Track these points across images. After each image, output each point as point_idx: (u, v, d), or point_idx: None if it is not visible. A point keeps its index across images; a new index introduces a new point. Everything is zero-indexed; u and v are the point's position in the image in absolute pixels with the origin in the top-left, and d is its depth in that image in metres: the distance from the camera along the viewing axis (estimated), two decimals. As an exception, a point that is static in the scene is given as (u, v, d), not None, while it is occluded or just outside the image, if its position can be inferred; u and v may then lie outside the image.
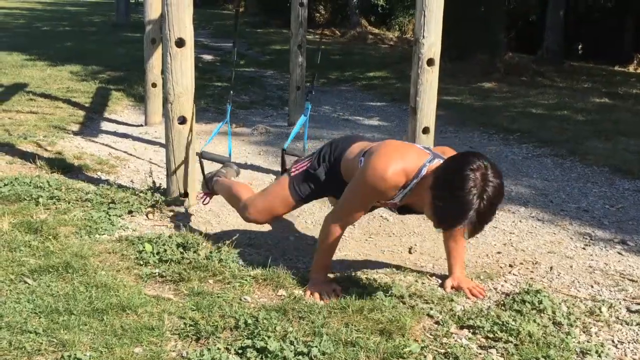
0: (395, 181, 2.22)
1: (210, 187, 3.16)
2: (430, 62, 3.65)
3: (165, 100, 3.29)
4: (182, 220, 3.18)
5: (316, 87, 8.93)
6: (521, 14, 11.05)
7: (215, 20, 22.63)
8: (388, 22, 19.17)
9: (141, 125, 5.76)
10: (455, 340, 2.07)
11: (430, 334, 2.11)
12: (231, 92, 3.75)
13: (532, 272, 2.77)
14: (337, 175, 2.52)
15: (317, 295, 2.30)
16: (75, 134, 5.11)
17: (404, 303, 2.29)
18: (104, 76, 8.35)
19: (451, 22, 10.42)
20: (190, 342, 1.92)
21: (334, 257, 2.62)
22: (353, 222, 2.41)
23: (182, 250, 2.60)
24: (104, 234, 2.85)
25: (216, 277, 2.38)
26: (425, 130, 3.75)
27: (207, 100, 7.44)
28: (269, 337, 1.88)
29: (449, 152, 2.37)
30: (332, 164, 2.56)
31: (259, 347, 1.83)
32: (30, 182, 3.48)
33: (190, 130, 3.36)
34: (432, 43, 3.62)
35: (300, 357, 1.81)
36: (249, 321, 2.00)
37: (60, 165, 3.96)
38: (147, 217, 3.18)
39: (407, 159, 2.25)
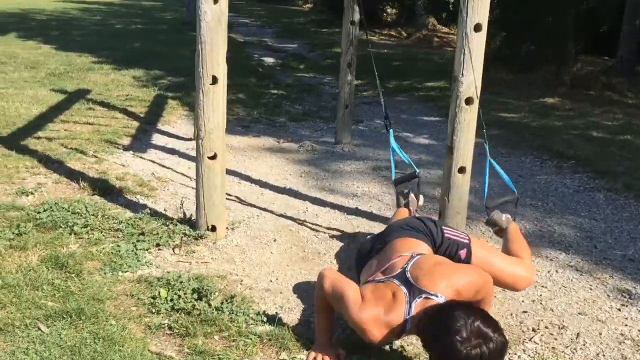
0: (380, 336, 2.19)
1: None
2: (468, 100, 3.54)
3: (197, 136, 3.32)
4: (206, 256, 3.22)
5: (371, 99, 8.89)
6: (592, 23, 10.55)
7: (283, 18, 22.80)
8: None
9: (191, 139, 5.86)
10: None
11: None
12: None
13: (555, 339, 2.65)
14: None
15: None
16: (125, 148, 5.26)
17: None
18: (164, 82, 8.54)
19: (516, 31, 10.16)
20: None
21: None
22: None
23: (196, 297, 2.63)
24: (127, 270, 2.91)
25: (222, 333, 2.39)
26: (462, 170, 3.64)
27: (260, 111, 7.50)
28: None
29: (433, 280, 2.25)
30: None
31: None
32: (69, 208, 3.60)
33: (221, 165, 3.38)
34: (471, 82, 3.51)
35: None
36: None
37: (102, 187, 4.08)
38: (173, 251, 3.23)
39: (385, 309, 2.20)
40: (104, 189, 4.06)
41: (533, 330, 2.72)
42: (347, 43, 5.84)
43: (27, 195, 3.84)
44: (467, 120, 3.57)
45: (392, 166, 3.57)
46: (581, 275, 3.37)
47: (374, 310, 2.18)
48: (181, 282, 2.78)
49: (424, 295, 2.18)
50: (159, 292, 2.63)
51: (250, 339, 2.36)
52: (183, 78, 8.78)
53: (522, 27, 10.01)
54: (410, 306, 2.17)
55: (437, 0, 17.67)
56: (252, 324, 2.49)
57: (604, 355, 2.53)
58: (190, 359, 2.22)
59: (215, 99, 3.25)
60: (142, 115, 6.55)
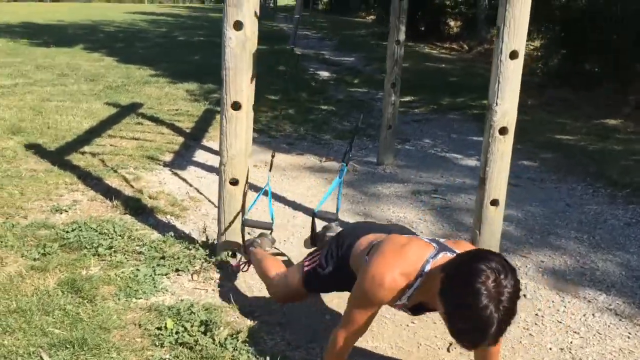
0: (395, 287, 2.08)
1: (247, 255, 3.17)
2: (502, 130, 3.38)
3: (220, 162, 3.30)
4: (224, 284, 3.18)
5: (422, 116, 8.73)
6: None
7: (345, 30, 22.82)
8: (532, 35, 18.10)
9: (231, 157, 5.87)
10: None
11: None
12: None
13: (579, 394, 2.46)
14: (346, 271, 2.41)
15: None
16: (166, 165, 5.31)
17: None
18: (216, 96, 8.62)
19: (578, 49, 9.77)
20: None
21: (364, 346, 2.49)
22: (360, 331, 2.26)
23: (202, 330, 2.59)
24: (141, 297, 2.91)
25: (221, 372, 2.34)
26: (494, 203, 3.48)
27: (306, 127, 7.47)
28: None
29: (463, 246, 2.16)
30: (340, 261, 2.47)
31: None
32: (97, 227, 3.65)
33: (243, 192, 3.34)
34: (505, 111, 3.36)
35: None
36: None
37: (134, 206, 4.12)
38: (192, 277, 3.21)
39: (406, 259, 2.10)
40: (136, 208, 4.10)
41: (556, 383, 2.54)
42: (391, 63, 5.74)
43: (61, 213, 3.91)
44: (501, 150, 3.41)
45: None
46: (620, 320, 3.14)
47: (396, 257, 2.11)
48: (191, 312, 2.75)
49: (454, 253, 2.08)
50: (166, 324, 2.60)
51: (249, 379, 2.30)
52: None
53: (584, 45, 9.62)
54: (436, 255, 2.09)
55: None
56: (254, 362, 2.43)
57: (631, 417, 2.33)
58: (183, 398, 2.17)
59: (238, 125, 3.21)
60: (188, 131, 6.63)
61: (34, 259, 3.20)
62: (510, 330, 2.93)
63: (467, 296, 1.82)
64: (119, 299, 2.87)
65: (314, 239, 3.28)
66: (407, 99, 9.97)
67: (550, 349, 2.83)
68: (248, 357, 2.45)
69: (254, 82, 3.35)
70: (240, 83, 3.17)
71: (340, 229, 3.40)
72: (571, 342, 2.89)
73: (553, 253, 3.99)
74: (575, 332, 2.99)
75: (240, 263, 3.22)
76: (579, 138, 7.42)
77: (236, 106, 3.18)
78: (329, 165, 5.95)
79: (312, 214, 3.33)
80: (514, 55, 3.28)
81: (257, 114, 7.88)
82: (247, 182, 3.38)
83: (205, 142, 6.36)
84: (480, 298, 1.79)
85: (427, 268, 2.06)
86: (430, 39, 19.10)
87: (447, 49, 18.53)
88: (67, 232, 3.56)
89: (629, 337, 2.97)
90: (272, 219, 3.33)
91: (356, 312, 2.19)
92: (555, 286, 3.51)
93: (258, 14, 3.24)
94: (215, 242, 3.46)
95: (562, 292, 3.43)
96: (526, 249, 4.03)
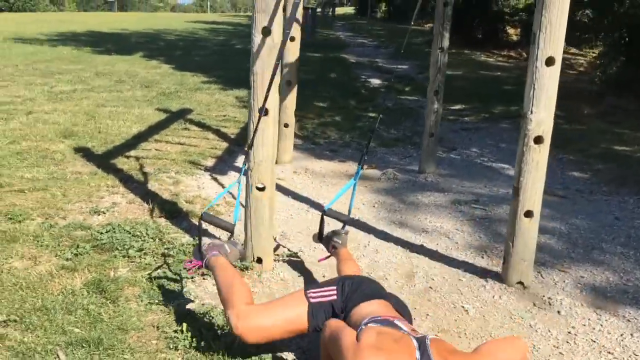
0: None
1: (204, 258, 2.83)
2: (537, 139, 3.26)
3: (247, 167, 3.31)
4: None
5: (472, 124, 8.55)
6: None
7: (401, 38, 22.69)
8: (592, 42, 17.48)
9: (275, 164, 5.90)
10: None
11: None
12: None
13: (604, 418, 2.33)
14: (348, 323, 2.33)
15: None
16: (207, 169, 5.39)
17: None
18: (264, 103, 8.71)
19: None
20: None
21: None
22: None
23: (216, 334, 2.59)
24: (163, 300, 2.93)
25: (228, 377, 2.33)
26: (528, 214, 3.36)
27: (352, 135, 7.44)
28: None
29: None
30: (344, 312, 2.39)
31: None
32: (131, 230, 3.72)
33: (270, 197, 3.34)
34: (541, 120, 3.24)
35: None
36: None
37: (170, 209, 4.19)
38: (216, 282, 3.22)
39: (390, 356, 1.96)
40: (172, 211, 4.16)
41: (580, 405, 2.41)
42: (434, 70, 5.65)
43: (99, 215, 4.01)
44: (536, 160, 3.29)
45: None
46: (660, 341, 2.96)
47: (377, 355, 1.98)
48: (211, 317, 2.75)
49: None
50: (183, 327, 2.62)
51: (254, 385, 2.28)
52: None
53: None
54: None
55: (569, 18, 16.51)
56: (262, 368, 2.41)
57: None
58: (188, 403, 2.17)
59: (265, 131, 3.22)
60: (233, 137, 6.71)
61: (66, 259, 3.29)
62: (539, 347, 2.82)
63: None
64: (141, 301, 2.90)
65: (321, 236, 3.29)
66: (458, 107, 9.82)
67: (580, 368, 2.69)
68: (257, 362, 2.44)
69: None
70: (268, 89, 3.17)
71: (346, 234, 3.37)
72: (603, 363, 2.75)
73: (595, 268, 3.81)
74: (609, 352, 2.84)
75: (187, 264, 2.92)
76: (636, 149, 7.11)
77: (263, 112, 3.18)
78: (369, 173, 5.90)
79: (322, 211, 3.31)
80: (550, 61, 3.17)
81: (304, 121, 7.95)
82: (274, 188, 3.37)
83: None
84: None
85: None
86: (488, 47, 18.76)
87: (504, 56, 18.16)
88: (101, 233, 3.64)
89: (667, 360, 2.79)
90: (234, 221, 3.16)
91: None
92: (593, 303, 3.35)
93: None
94: (243, 247, 3.46)
95: (600, 310, 3.27)
96: (566, 264, 3.87)
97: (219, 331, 2.63)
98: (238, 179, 3.25)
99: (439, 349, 2.02)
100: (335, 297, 2.44)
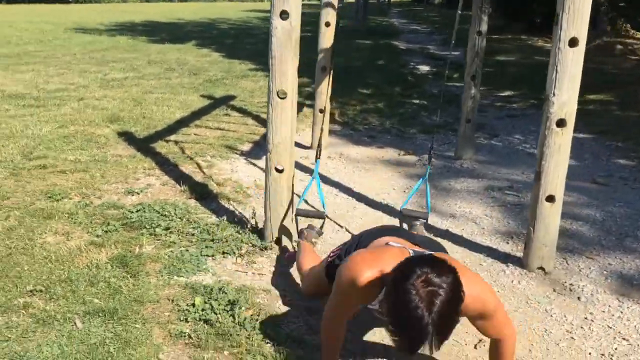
0: (365, 285, 2.04)
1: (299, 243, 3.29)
2: (560, 123, 3.20)
3: (266, 149, 3.38)
4: (264, 268, 3.26)
5: (520, 111, 8.37)
6: None
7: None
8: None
9: (308, 148, 5.97)
10: None
11: None
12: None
13: (607, 402, 2.30)
14: None
15: None
16: (242, 154, 5.50)
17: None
18: (307, 89, 8.76)
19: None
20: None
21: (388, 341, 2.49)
22: (342, 320, 2.24)
23: (228, 309, 2.68)
24: (182, 276, 3.05)
25: (233, 349, 2.41)
26: (550, 199, 3.31)
27: (393, 121, 7.42)
28: None
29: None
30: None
31: None
32: (160, 209, 3.86)
33: (288, 179, 3.40)
34: (563, 102, 3.18)
35: None
36: (218, 412, 2.01)
37: (200, 191, 4.32)
38: (236, 260, 3.32)
39: (380, 261, 2.04)
40: (202, 193, 4.28)
41: (583, 389, 2.39)
42: (472, 54, 5.57)
43: (132, 195, 4.17)
44: (558, 144, 3.23)
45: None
46: (683, 330, 2.88)
47: (370, 258, 2.10)
48: (224, 292, 2.85)
49: None
50: (195, 301, 2.72)
51: (257, 357, 2.36)
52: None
53: None
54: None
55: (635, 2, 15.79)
56: (267, 343, 2.48)
57: None
58: (190, 371, 2.27)
59: (283, 113, 3.28)
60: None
61: (97, 236, 3.45)
62: (551, 332, 2.79)
63: (399, 297, 1.77)
64: (161, 276, 3.03)
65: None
66: (507, 93, 9.64)
67: (590, 353, 2.65)
68: (262, 337, 2.51)
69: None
70: (285, 71, 3.23)
71: (423, 224, 3.45)
72: (616, 349, 2.69)
73: (625, 256, 3.72)
74: (624, 339, 2.78)
75: (290, 253, 3.33)
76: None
77: (282, 94, 3.24)
78: (406, 159, 5.89)
79: (399, 212, 3.40)
80: (573, 42, 3.10)
81: (345, 108, 7.98)
82: (293, 169, 3.43)
83: (287, 134, 6.49)
84: (410, 299, 1.74)
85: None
86: (547, 32, 18.22)
87: (563, 42, 17.59)
88: (132, 212, 3.79)
89: (686, 349, 2.71)
90: (323, 207, 3.39)
91: (334, 306, 2.20)
92: (617, 291, 3.27)
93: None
94: (262, 228, 3.55)
95: (624, 297, 3.19)
96: (595, 251, 3.79)
97: (229, 306, 2.72)
98: (313, 175, 3.55)
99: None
100: (338, 253, 2.57)
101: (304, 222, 3.59)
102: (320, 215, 3.55)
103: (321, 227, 3.51)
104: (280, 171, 3.37)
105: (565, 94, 3.16)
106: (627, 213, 4.48)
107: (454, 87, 9.97)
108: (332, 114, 7.57)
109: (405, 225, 3.56)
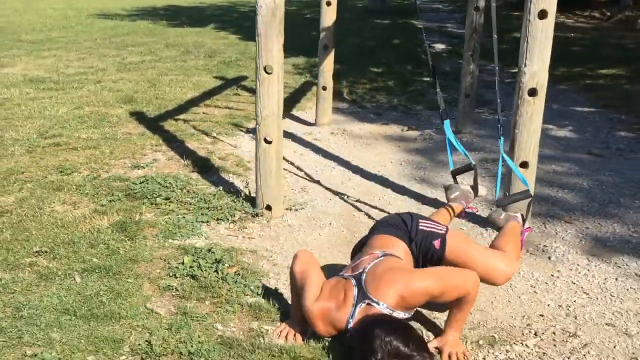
0: (325, 332, 2.32)
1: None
2: (532, 92, 3.36)
3: (256, 122, 3.60)
4: (255, 233, 3.50)
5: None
6: None
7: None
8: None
9: (312, 125, 6.18)
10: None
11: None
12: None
13: (554, 345, 2.49)
14: None
15: (281, 332, 2.44)
16: (247, 131, 5.73)
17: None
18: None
19: None
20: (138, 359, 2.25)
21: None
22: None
23: (213, 268, 2.92)
24: (177, 239, 3.31)
25: (214, 299, 2.66)
26: (524, 165, 3.47)
27: (400, 99, 7.57)
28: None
29: (381, 290, 2.27)
30: None
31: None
32: (162, 181, 4.12)
33: (277, 150, 3.62)
34: (534, 72, 3.33)
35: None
36: (192, 350, 2.26)
37: (202, 165, 4.57)
38: (229, 226, 3.57)
39: (333, 308, 2.29)
40: (204, 167, 4.54)
41: (535, 334, 2.58)
42: (470, 31, 5.70)
43: (138, 169, 4.44)
44: (530, 112, 3.39)
45: (449, 158, 3.52)
46: (646, 286, 3.04)
47: (325, 306, 2.29)
48: (212, 252, 3.09)
49: (367, 301, 2.24)
50: (183, 260, 2.98)
51: (234, 307, 2.60)
52: (339, 66, 9.09)
53: None
54: (354, 309, 2.25)
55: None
56: (246, 295, 2.73)
57: (597, 370, 2.33)
58: (173, 317, 2.52)
59: (270, 88, 3.50)
60: (280, 101, 7.01)
61: (101, 205, 3.73)
62: (516, 287, 2.99)
63: None
64: (157, 239, 3.29)
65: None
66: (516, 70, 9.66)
67: (549, 305, 2.84)
68: (243, 290, 2.75)
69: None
70: (271, 48, 3.44)
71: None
72: (575, 301, 2.87)
73: (604, 221, 3.86)
74: (585, 293, 2.96)
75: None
76: (694, 110, 6.84)
77: (268, 70, 3.45)
78: (408, 134, 6.05)
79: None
80: (542, 14, 3.25)
81: (355, 86, 8.16)
82: (281, 141, 3.65)
83: (295, 112, 6.72)
84: None
85: (350, 326, 2.24)
86: (570, 8, 18.01)
87: (586, 17, 17.41)
88: (136, 184, 4.06)
89: (644, 302, 2.88)
90: (469, 157, 3.41)
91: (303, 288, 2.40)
92: (589, 251, 3.44)
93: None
94: (255, 196, 3.78)
95: (593, 257, 3.36)
96: (575, 216, 3.94)
97: (215, 264, 2.97)
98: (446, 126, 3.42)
99: (374, 274, 2.29)
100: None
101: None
102: (470, 167, 3.44)
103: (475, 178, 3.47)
104: (269, 142, 3.59)
105: (536, 65, 3.31)
106: (615, 182, 4.61)
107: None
108: (340, 92, 7.77)
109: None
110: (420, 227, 2.63)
